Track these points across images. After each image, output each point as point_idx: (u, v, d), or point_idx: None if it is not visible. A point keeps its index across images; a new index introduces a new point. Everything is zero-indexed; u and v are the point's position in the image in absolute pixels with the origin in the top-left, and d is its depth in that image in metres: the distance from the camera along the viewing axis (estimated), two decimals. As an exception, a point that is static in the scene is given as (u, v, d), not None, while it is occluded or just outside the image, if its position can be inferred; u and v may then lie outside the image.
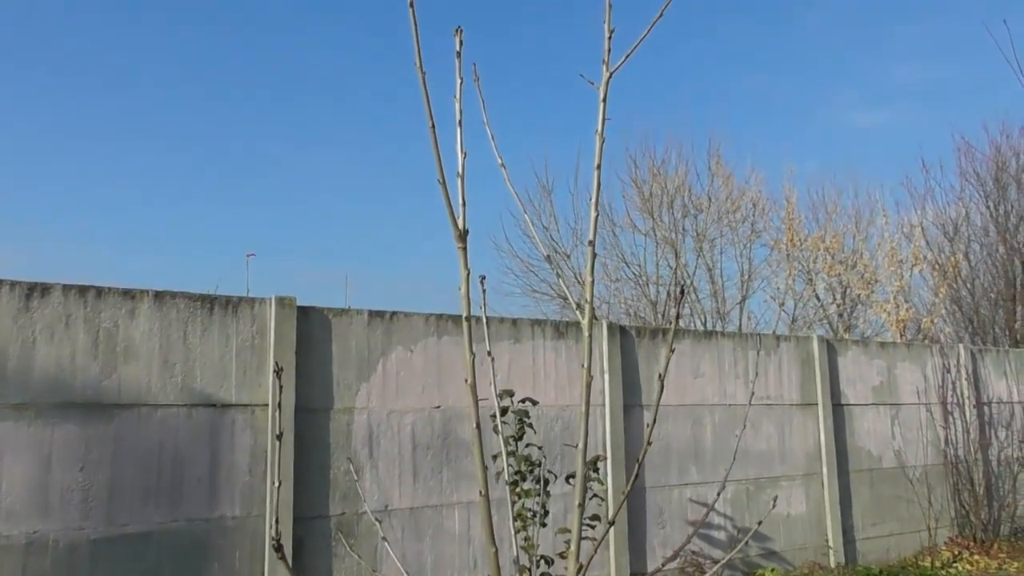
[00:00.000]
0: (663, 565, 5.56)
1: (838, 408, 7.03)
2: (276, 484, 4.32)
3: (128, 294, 4.11)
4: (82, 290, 3.99)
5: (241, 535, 4.23)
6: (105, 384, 3.98)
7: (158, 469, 4.06)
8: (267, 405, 4.37)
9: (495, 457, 4.76)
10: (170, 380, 4.14)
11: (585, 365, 1.70)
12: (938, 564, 6.93)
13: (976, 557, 7.11)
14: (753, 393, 6.42)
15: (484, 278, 1.90)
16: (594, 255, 1.72)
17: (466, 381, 1.69)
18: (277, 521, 1.19)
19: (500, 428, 4.33)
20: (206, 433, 4.22)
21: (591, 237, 1.71)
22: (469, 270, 1.65)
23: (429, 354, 5.01)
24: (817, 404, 6.88)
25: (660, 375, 1.86)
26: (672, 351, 1.89)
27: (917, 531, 7.32)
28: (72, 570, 3.75)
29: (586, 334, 1.69)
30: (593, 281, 1.75)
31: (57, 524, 3.76)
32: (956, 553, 7.18)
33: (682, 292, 1.76)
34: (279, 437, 1.77)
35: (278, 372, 1.53)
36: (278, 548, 1.17)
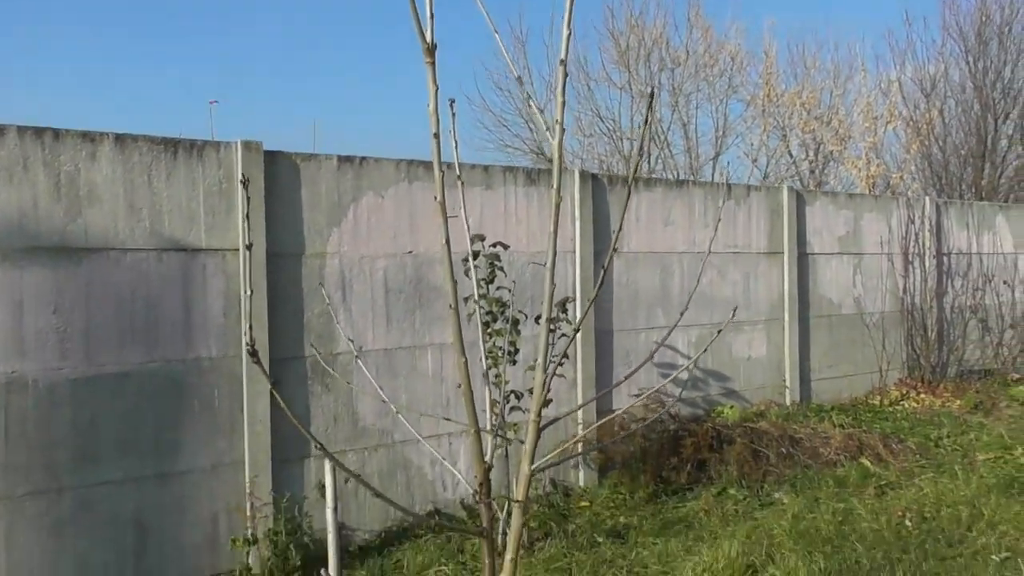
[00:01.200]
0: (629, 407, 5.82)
1: (804, 257, 7.19)
2: (247, 324, 4.39)
3: (87, 136, 4.00)
4: (38, 132, 3.87)
5: (218, 375, 4.34)
6: (71, 228, 3.94)
7: (131, 312, 4.09)
8: (238, 250, 4.37)
9: (466, 299, 4.87)
10: (137, 224, 4.11)
11: (555, 186, 1.70)
12: (887, 402, 7.32)
13: (923, 396, 7.52)
14: (716, 236, 6.52)
15: (453, 101, 1.87)
16: (565, 75, 1.69)
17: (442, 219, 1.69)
18: (251, 328, 1.22)
19: (472, 271, 4.41)
20: (178, 277, 4.23)
21: (562, 56, 1.68)
22: (438, 86, 1.62)
23: (400, 200, 5.00)
24: (783, 253, 7.03)
25: (622, 213, 1.87)
26: (636, 178, 1.90)
27: (870, 373, 7.69)
28: (54, 407, 3.85)
29: (556, 154, 1.68)
30: (564, 103, 1.73)
31: (35, 365, 3.82)
32: (904, 393, 7.58)
33: (652, 96, 1.75)
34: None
35: (247, 215, 1.52)
36: (253, 354, 1.21)
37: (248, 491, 4.35)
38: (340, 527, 4.85)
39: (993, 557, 3.98)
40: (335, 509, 1.57)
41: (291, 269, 4.59)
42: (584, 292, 5.74)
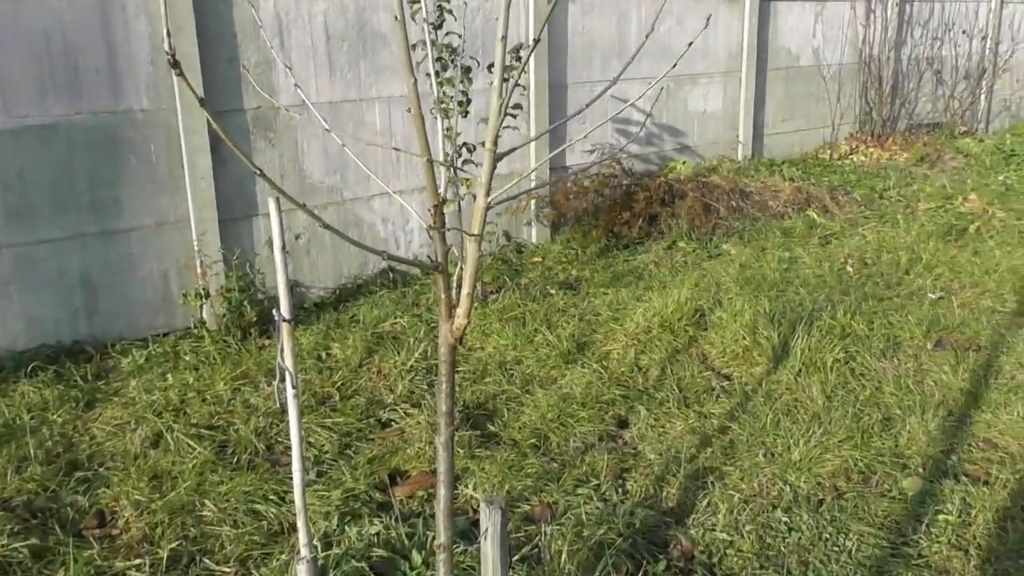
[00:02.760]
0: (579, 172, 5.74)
1: (764, 3, 6.86)
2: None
3: None
4: None
5: (153, 128, 4.09)
6: (-37, -40, 3.48)
7: (49, 59, 3.75)
8: (158, -11, 3.95)
9: (414, 46, 4.57)
10: (40, -43, 3.64)
11: None
12: (836, 156, 7.38)
13: (871, 150, 7.58)
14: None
15: None
16: None
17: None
18: (168, 34, 1.05)
19: (420, 14, 4.08)
20: (96, 20, 3.84)
21: None
22: None
23: (336, -67, 4.51)
24: (744, 0, 6.68)
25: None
26: None
27: (823, 127, 7.66)
28: (-23, 164, 3.62)
29: None
30: None
31: (-52, 117, 3.53)
32: (853, 147, 7.62)
33: None
34: None
35: None
36: (175, 64, 1.05)
37: (196, 248, 4.27)
38: (293, 284, 4.88)
39: (929, 295, 4.19)
40: (283, 248, 1.48)
41: (222, 12, 4.20)
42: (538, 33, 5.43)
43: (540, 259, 5.37)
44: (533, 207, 5.64)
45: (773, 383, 3.30)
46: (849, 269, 4.60)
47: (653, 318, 3.73)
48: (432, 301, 4.48)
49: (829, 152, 7.43)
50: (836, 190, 6.25)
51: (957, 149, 7.59)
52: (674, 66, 1.75)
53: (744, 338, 3.54)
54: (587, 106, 1.75)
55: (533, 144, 5.58)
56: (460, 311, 1.48)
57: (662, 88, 6.37)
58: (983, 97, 8.68)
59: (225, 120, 4.31)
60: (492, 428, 3.07)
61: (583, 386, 3.30)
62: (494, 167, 1.47)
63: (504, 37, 1.42)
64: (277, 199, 1.35)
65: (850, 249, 4.95)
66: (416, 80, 1.65)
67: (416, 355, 3.62)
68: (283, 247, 1.48)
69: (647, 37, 1.95)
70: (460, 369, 3.48)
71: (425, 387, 3.36)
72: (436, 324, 4.10)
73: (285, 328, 1.55)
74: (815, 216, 5.77)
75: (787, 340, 3.52)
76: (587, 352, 3.63)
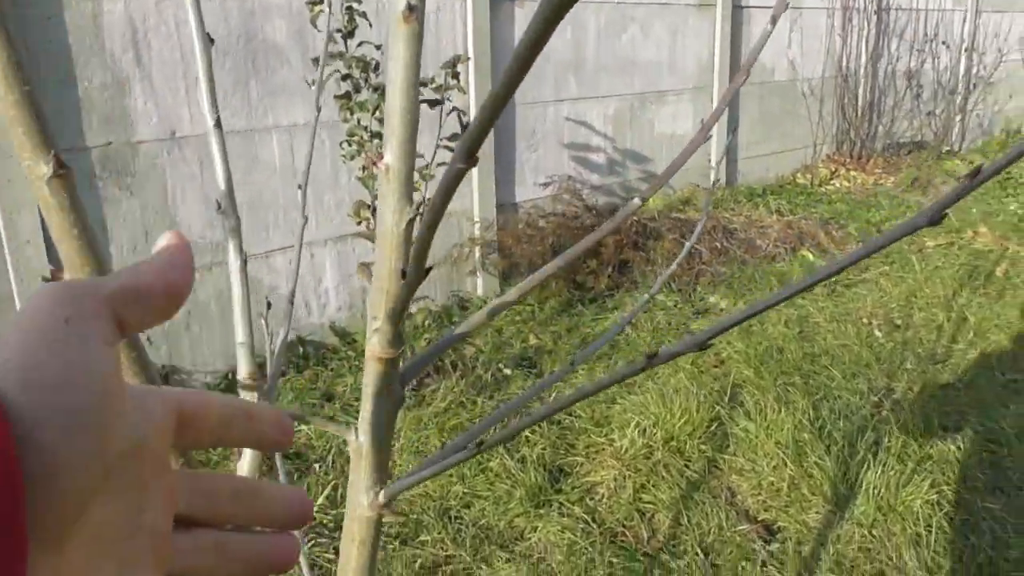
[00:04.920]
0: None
1: (738, 10, 5.99)
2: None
3: None
4: None
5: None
6: None
7: None
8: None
9: (315, 61, 3.51)
10: None
11: None
12: (816, 182, 6.54)
13: (853, 173, 6.78)
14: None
15: None
16: None
17: None
18: None
19: (321, 19, 3.04)
20: None
21: None
22: None
23: (210, -87, 3.44)
24: (716, 5, 5.80)
25: None
26: None
27: (801, 148, 6.83)
28: None
29: None
30: None
31: None
32: (833, 170, 6.81)
33: None
34: None
35: None
36: None
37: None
38: (170, 371, 3.75)
39: (996, 375, 3.26)
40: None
41: (50, 14, 3.09)
42: (479, 50, 4.42)
43: (488, 319, 4.33)
44: (478, 254, 4.61)
45: (840, 541, 2.29)
46: (877, 334, 3.67)
47: (654, 432, 2.70)
48: (351, 391, 3.41)
49: (809, 177, 6.59)
50: (829, 224, 5.38)
51: (946, 172, 6.83)
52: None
53: (786, 465, 2.54)
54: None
55: (476, 179, 4.56)
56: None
57: (626, 107, 5.42)
58: (960, 114, 7.98)
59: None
60: (432, 633, 2.01)
61: (563, 549, 2.25)
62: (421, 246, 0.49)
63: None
64: None
65: (870, 305, 4.02)
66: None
67: (322, 497, 2.54)
68: None
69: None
70: (384, 521, 2.43)
71: (331, 556, 2.28)
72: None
73: None
74: (811, 257, 4.87)
75: (846, 465, 2.54)
76: (564, 485, 2.59)
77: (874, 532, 2.26)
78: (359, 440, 0.65)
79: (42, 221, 3.11)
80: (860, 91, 7.09)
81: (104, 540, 0.30)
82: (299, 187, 1.12)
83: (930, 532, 2.24)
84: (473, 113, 4.33)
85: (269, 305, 1.11)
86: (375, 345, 0.60)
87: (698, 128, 5.81)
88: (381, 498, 0.66)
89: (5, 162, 3.01)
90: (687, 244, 1.01)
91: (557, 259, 0.69)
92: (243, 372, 1.00)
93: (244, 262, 0.94)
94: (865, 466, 2.49)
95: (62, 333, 0.29)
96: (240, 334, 0.99)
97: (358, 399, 3.27)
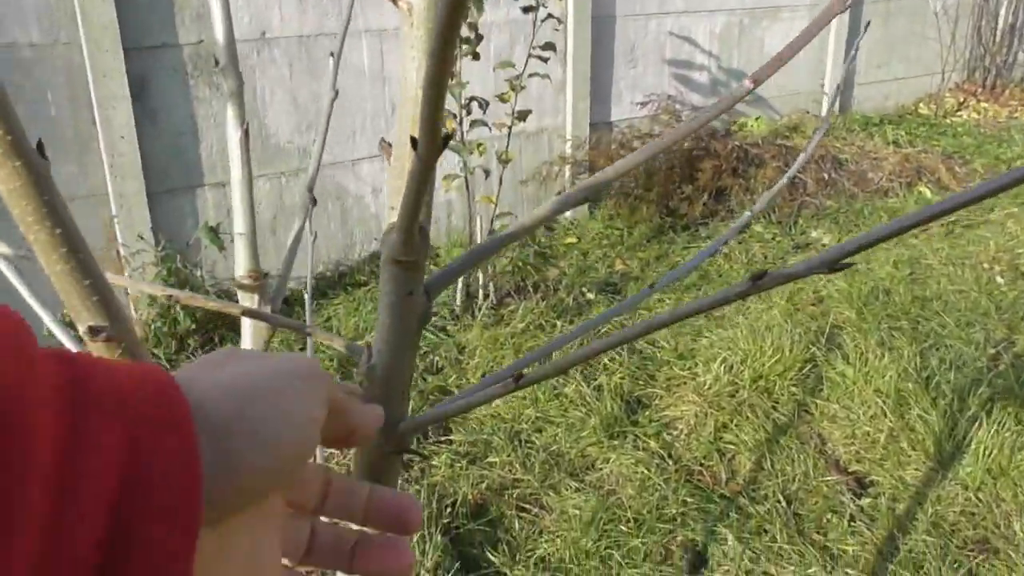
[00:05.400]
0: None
1: (868, -83, 5.46)
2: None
3: None
4: None
5: (49, 69, 2.98)
6: None
7: None
8: None
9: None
10: None
11: None
12: (941, 113, 6.03)
13: (984, 105, 6.21)
14: None
15: None
16: None
17: None
18: None
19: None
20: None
21: None
22: None
23: None
24: (844, -89, 5.29)
25: None
26: None
27: (927, 75, 6.28)
28: None
29: None
30: None
31: None
32: (962, 101, 6.25)
33: None
34: None
35: None
36: None
37: (116, 231, 3.19)
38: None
39: None
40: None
41: (139, -94, 3.03)
42: (581, -43, 4.16)
43: (575, 240, 4.21)
44: (568, 174, 4.45)
45: (940, 502, 2.11)
46: (999, 280, 3.36)
47: (741, 369, 2.55)
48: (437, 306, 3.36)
49: (933, 107, 6.07)
50: (952, 159, 4.95)
51: (1092, 105, 6.18)
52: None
53: (885, 415, 2.35)
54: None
55: (569, 91, 4.36)
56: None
57: (735, 22, 5.06)
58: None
59: (154, 59, 3.18)
60: (494, 561, 1.96)
61: (636, 484, 2.16)
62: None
63: None
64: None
65: (993, 248, 3.68)
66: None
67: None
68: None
69: None
70: (452, 439, 2.37)
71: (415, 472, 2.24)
72: (436, 342, 2.97)
73: None
74: (929, 194, 4.51)
75: (954, 421, 2.33)
76: (641, 417, 2.47)
77: (980, 496, 2.07)
78: (371, 362, 0.54)
79: (136, 116, 3.12)
80: (1001, 12, 6.43)
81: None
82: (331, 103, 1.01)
83: (1045, 499, 2.05)
84: (571, 19, 4.10)
85: (314, 202, 1.01)
86: (391, 244, 0.49)
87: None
88: (400, 429, 0.55)
89: (102, 56, 3.01)
90: (789, 171, 0.85)
91: (647, 147, 0.55)
92: (241, 269, 0.90)
93: (245, 132, 0.84)
94: (976, 424, 2.28)
95: (289, 383, 0.36)
96: (239, 222, 0.89)
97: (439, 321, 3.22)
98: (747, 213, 0.82)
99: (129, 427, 0.28)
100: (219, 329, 3.23)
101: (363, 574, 0.43)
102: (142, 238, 3.21)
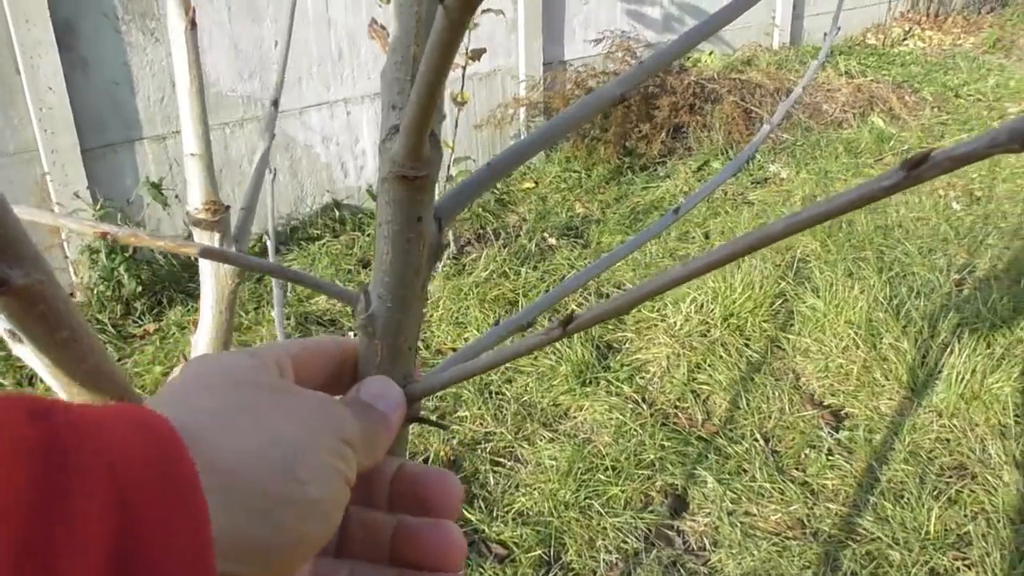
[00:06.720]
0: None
1: None
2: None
3: None
4: None
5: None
6: None
7: None
8: None
9: None
10: None
11: None
12: (888, 42, 6.03)
13: (928, 33, 6.24)
14: None
15: None
16: None
17: None
18: None
19: None
20: None
21: None
22: None
23: None
24: None
25: None
26: None
27: (872, 4, 6.27)
28: None
29: None
30: None
31: None
32: (907, 30, 6.26)
33: None
34: None
35: None
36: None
37: (49, 190, 3.01)
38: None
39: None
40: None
41: None
42: None
43: (532, 184, 4.12)
44: (523, 116, 4.34)
45: (916, 430, 2.13)
46: (955, 206, 3.39)
47: (712, 308, 2.52)
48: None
49: (881, 37, 6.07)
50: (902, 88, 4.96)
51: (1033, 31, 6.25)
52: None
53: (857, 347, 2.35)
54: None
55: (522, 32, 4.22)
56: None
57: (686, -45, 4.95)
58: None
59: (78, 2, 2.96)
60: (470, 519, 1.91)
61: (612, 430, 2.12)
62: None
63: None
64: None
65: (947, 175, 3.70)
66: None
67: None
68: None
69: None
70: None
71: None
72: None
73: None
74: (882, 124, 4.51)
75: (926, 349, 2.34)
76: (613, 362, 2.43)
77: (955, 422, 2.09)
78: (370, 310, 0.42)
79: (64, 65, 2.92)
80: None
81: None
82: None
83: (1019, 422, 2.07)
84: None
85: (275, 175, 0.90)
86: (394, 154, 0.36)
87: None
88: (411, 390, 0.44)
89: (22, 5, 2.79)
90: (765, 126, 0.78)
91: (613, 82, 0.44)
92: (197, 199, 0.79)
93: (192, 21, 0.73)
94: (948, 350, 2.30)
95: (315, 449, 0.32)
96: (190, 140, 0.78)
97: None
98: (766, 126, 0.75)
99: (118, 492, 0.24)
100: (168, 291, 3.09)
101: (408, 565, 0.37)
102: (78, 196, 3.04)
